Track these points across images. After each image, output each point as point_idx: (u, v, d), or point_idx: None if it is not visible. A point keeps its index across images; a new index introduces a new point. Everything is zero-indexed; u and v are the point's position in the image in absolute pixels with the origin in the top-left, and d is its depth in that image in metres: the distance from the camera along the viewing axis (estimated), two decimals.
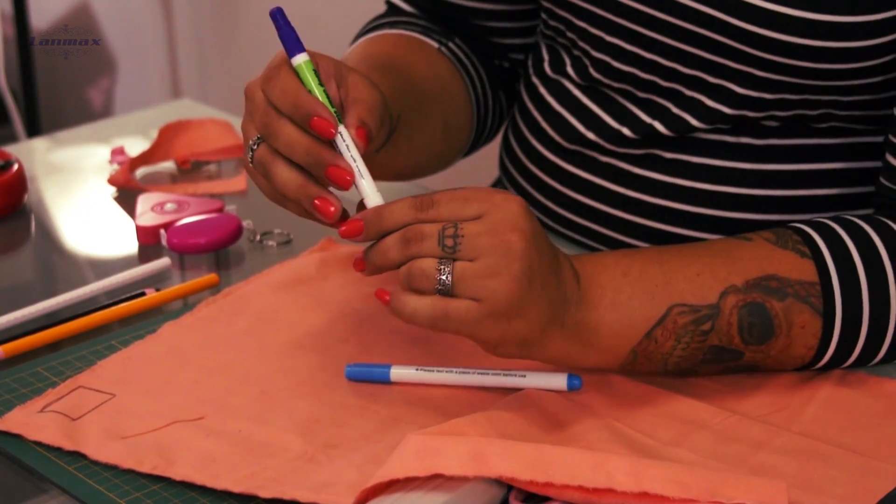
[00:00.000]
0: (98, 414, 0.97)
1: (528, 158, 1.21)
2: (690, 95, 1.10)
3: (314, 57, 0.95)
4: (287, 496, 0.88)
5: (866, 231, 1.00)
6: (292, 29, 0.94)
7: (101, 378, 1.01)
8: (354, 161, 0.93)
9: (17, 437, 0.95)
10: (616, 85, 1.13)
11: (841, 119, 1.09)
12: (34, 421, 0.96)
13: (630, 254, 0.98)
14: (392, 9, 1.28)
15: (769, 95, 1.07)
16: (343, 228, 0.92)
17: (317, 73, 0.94)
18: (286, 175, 0.93)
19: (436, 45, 1.20)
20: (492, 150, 1.38)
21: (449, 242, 0.90)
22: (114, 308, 1.11)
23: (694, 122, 1.10)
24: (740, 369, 0.99)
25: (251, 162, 0.95)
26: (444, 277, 0.90)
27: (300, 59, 0.94)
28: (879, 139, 1.09)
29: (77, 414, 0.97)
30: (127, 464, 0.92)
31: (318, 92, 0.93)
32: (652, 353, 0.96)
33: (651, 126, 1.11)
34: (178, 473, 0.91)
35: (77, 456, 0.94)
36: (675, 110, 1.11)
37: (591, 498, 0.85)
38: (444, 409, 0.97)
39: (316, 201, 0.93)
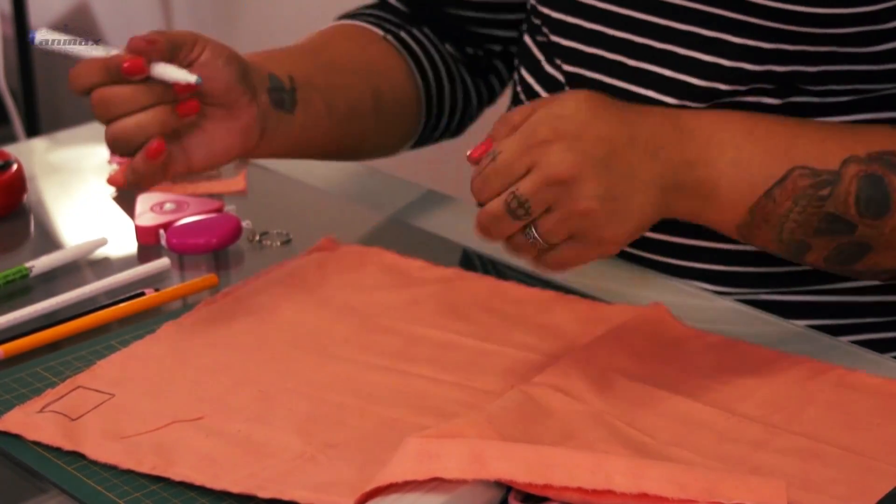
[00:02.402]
0: (97, 414, 0.97)
1: None
2: (685, 54, 1.09)
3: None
4: (286, 496, 0.88)
5: None
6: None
7: (100, 378, 1.01)
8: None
9: (17, 437, 0.95)
10: (609, 56, 1.13)
11: (841, 78, 1.09)
12: (33, 421, 0.96)
13: (755, 114, 1.00)
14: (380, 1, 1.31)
15: (766, 45, 1.07)
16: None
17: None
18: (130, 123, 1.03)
19: (381, 32, 1.24)
20: None
21: (520, 212, 0.93)
22: (113, 308, 1.11)
23: (693, 80, 1.09)
24: (852, 252, 0.99)
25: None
26: (534, 240, 0.93)
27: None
28: (883, 115, 1.10)
29: (76, 414, 0.97)
30: (126, 464, 0.92)
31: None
32: (769, 213, 0.97)
33: (646, 97, 1.11)
34: (177, 474, 0.91)
35: (77, 456, 0.93)
36: (670, 73, 1.10)
37: (590, 499, 0.85)
38: (442, 409, 0.97)
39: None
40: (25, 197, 1.32)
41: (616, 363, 1.02)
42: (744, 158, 0.96)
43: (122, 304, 1.11)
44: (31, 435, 0.95)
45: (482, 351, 1.04)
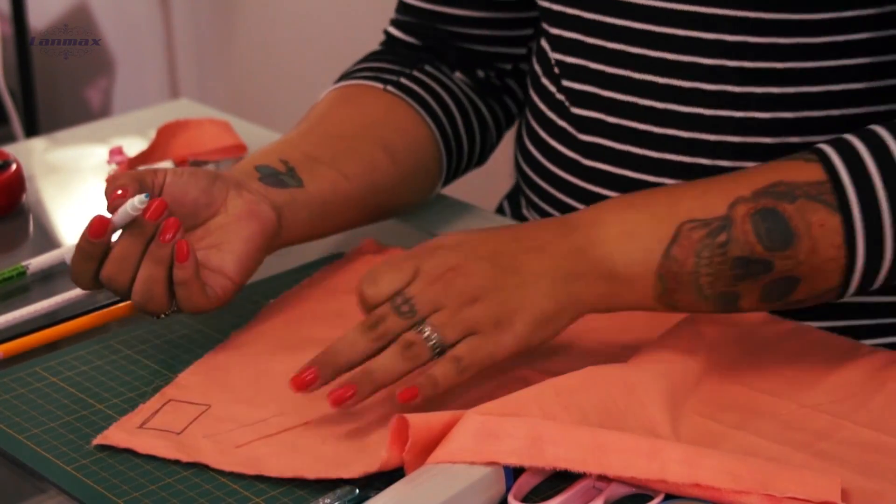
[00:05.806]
0: (200, 425, 0.96)
1: (546, 159, 1.21)
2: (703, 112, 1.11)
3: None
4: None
5: (875, 130, 0.99)
6: None
7: (188, 390, 1.00)
8: None
9: (16, 438, 0.95)
10: (623, 98, 1.14)
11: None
12: (139, 436, 0.95)
13: (632, 192, 1.02)
14: (387, 38, 1.30)
15: (789, 114, 1.08)
16: (306, 386, 0.94)
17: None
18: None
19: (380, 85, 1.21)
20: (502, 162, 1.38)
21: (405, 308, 0.94)
22: (112, 308, 1.11)
23: (702, 136, 1.11)
24: (782, 287, 0.98)
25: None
26: (428, 334, 0.93)
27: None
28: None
29: (179, 427, 0.96)
30: (251, 471, 0.91)
31: None
32: (677, 274, 0.97)
33: (665, 135, 1.12)
34: (307, 473, 0.91)
35: (76, 456, 0.93)
36: (684, 110, 1.12)
37: (644, 484, 0.87)
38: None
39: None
40: (24, 197, 1.32)
41: (687, 347, 1.02)
42: (630, 229, 0.97)
43: (120, 304, 1.11)
44: (142, 449, 0.93)
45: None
